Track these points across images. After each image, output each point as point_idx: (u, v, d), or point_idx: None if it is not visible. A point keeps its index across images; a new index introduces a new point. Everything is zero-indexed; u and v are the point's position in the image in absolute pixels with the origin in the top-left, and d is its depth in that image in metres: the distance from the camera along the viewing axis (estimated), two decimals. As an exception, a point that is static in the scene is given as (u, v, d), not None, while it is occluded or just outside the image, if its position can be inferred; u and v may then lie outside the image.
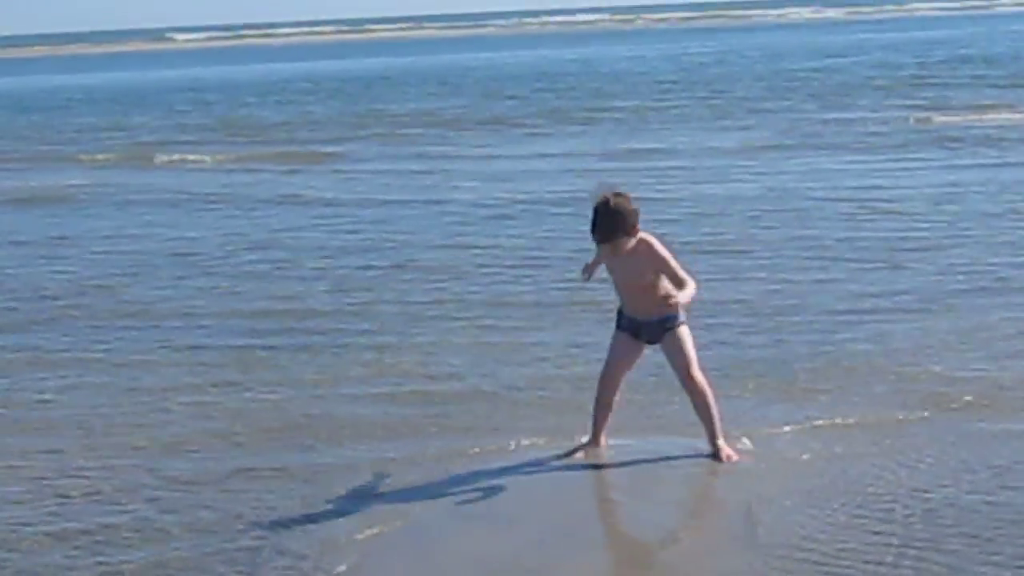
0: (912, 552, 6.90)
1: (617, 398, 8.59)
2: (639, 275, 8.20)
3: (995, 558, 6.81)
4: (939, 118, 28.59)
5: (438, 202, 20.11)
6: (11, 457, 9.14)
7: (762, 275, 13.79)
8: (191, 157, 28.54)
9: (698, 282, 8.23)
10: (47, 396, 10.60)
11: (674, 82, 43.26)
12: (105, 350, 11.94)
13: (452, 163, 25.27)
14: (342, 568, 7.07)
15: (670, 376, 8.56)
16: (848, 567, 6.78)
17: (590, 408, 8.71)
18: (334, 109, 39.68)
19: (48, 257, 16.82)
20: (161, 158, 28.60)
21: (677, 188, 19.90)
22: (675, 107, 34.54)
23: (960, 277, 13.25)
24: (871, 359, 10.54)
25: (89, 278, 15.26)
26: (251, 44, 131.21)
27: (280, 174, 24.99)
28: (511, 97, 40.59)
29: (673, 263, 8.14)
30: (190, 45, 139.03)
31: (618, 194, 8.09)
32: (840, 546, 7.02)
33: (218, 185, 23.64)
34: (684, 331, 8.34)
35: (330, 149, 28.80)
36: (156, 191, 23.09)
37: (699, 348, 8.54)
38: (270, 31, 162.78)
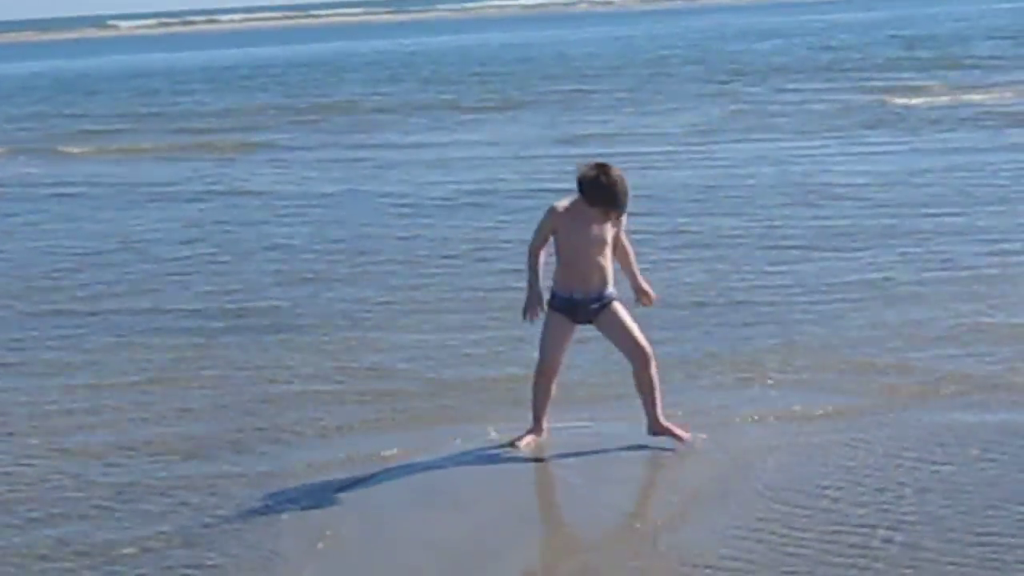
0: (879, 540, 6.85)
1: (554, 384, 8.45)
2: (603, 242, 8.15)
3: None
4: (889, 100, 28.70)
5: (384, 194, 19.83)
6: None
7: (720, 266, 13.66)
8: (129, 146, 28.16)
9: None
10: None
11: (617, 67, 43.12)
12: (47, 346, 11.69)
13: (397, 152, 25.00)
14: (299, 557, 7.00)
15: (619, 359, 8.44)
16: (806, 551, 6.74)
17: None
18: (278, 96, 39.35)
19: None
20: (100, 147, 28.23)
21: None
22: (624, 91, 34.46)
23: (914, 265, 13.16)
24: (827, 347, 10.48)
25: (30, 272, 14.98)
26: (197, 31, 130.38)
27: (220, 163, 24.69)
28: (456, 83, 40.32)
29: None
30: (134, 32, 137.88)
31: (607, 166, 8.11)
32: (798, 532, 6.97)
33: (160, 176, 23.34)
34: (619, 306, 8.29)
35: (271, 137, 28.51)
36: (95, 183, 22.73)
37: (652, 339, 8.47)
38: (216, 17, 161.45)
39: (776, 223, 15.62)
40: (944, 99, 28.40)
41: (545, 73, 41.82)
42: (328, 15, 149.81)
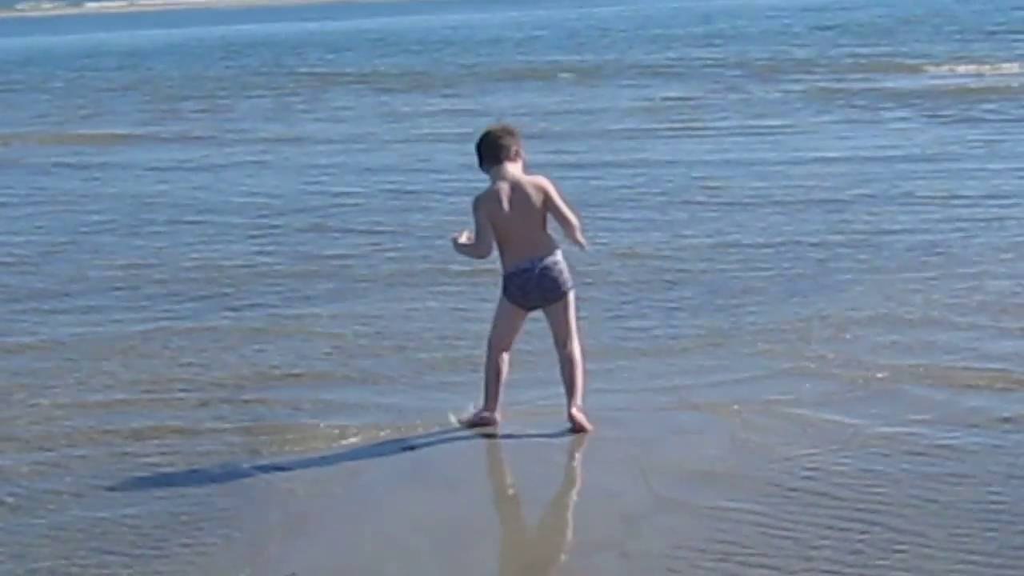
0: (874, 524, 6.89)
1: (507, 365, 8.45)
2: (533, 208, 8.12)
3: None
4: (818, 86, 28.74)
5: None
6: None
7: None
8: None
9: (580, 218, 8.28)
10: None
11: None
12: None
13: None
14: (287, 535, 7.01)
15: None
16: (799, 536, 6.76)
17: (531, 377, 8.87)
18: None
19: None
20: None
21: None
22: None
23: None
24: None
25: None
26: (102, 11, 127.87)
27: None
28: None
29: (561, 200, 8.22)
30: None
31: (504, 127, 8.41)
32: (793, 517, 6.98)
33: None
34: (573, 298, 8.32)
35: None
36: None
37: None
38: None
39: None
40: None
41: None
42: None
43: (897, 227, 14.08)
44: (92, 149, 24.66)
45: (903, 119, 23.23)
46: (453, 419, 8.55)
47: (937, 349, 9.84)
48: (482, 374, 8.49)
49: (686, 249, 13.57)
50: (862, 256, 12.93)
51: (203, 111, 30.88)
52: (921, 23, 48.81)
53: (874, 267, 12.42)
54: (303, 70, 42.22)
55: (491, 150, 8.26)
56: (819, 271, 12.43)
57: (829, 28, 48.98)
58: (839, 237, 13.78)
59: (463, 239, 8.20)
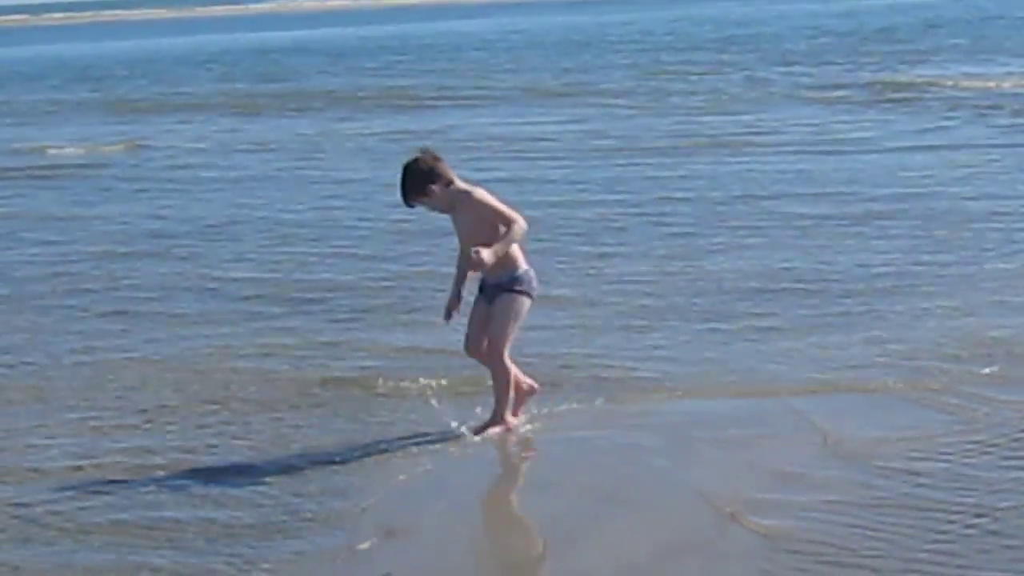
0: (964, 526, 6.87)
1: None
2: (473, 230, 8.07)
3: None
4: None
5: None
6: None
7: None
8: None
9: (525, 217, 8.11)
10: None
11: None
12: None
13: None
14: (380, 534, 7.05)
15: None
16: (892, 536, 6.75)
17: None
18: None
19: None
20: None
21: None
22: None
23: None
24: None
25: None
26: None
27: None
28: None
29: (497, 203, 8.07)
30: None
31: (424, 150, 8.19)
32: (886, 517, 6.97)
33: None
34: (519, 301, 8.17)
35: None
36: None
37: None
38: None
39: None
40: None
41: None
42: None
43: None
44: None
45: None
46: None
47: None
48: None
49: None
50: None
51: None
52: None
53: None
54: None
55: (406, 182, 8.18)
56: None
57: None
58: None
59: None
